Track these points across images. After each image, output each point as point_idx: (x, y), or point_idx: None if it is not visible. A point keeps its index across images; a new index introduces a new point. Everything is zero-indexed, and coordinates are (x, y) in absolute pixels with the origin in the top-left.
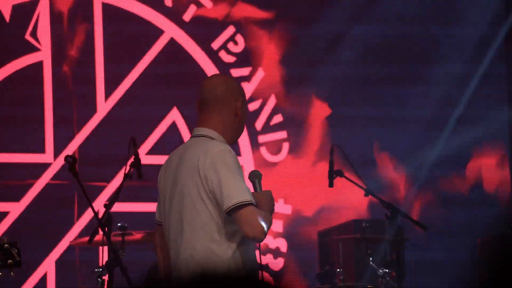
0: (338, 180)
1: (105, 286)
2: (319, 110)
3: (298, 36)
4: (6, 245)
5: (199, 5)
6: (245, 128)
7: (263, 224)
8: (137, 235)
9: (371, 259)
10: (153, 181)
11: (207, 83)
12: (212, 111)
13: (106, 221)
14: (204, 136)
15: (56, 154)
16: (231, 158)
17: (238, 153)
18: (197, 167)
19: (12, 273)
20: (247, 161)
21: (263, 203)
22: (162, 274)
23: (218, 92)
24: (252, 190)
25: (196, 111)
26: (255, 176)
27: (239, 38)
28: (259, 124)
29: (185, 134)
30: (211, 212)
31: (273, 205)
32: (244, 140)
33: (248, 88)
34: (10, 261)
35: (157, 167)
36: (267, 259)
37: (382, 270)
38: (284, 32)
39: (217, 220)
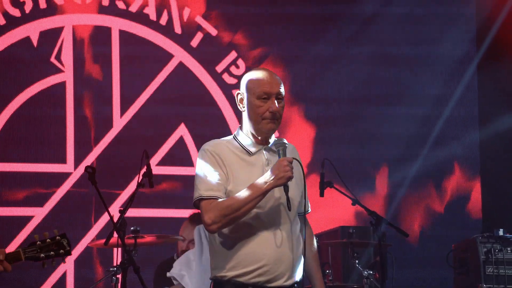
0: (328, 190)
1: (119, 284)
2: (309, 128)
3: (291, 62)
4: (57, 237)
5: (205, 33)
6: None
7: (207, 216)
8: (148, 238)
9: (357, 261)
10: (162, 189)
11: None
12: None
13: (120, 225)
14: None
15: (76, 165)
16: (200, 156)
17: None
18: None
19: (64, 261)
20: None
21: (270, 173)
22: None
23: None
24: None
25: None
26: (279, 145)
27: (240, 62)
28: None
29: (192, 148)
30: None
31: (280, 172)
32: None
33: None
34: (61, 251)
35: (167, 176)
36: None
37: (367, 271)
38: (279, 58)
39: None
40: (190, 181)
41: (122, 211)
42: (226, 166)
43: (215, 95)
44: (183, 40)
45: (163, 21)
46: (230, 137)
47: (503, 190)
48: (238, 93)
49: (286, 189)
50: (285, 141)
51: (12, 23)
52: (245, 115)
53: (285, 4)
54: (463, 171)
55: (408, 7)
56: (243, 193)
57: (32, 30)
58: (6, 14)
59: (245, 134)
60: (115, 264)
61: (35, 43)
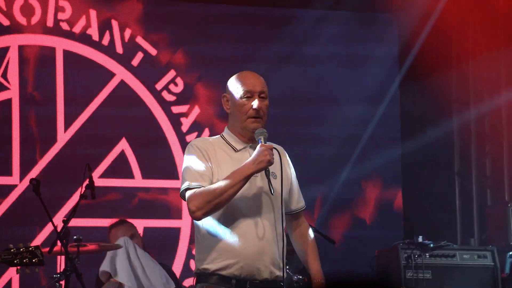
0: None
1: None
2: None
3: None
4: (31, 248)
5: (145, 53)
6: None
7: (192, 203)
8: (91, 246)
9: (287, 267)
10: (104, 200)
11: None
12: None
13: (64, 234)
14: None
15: (22, 177)
16: (187, 151)
17: (175, 176)
18: None
19: (37, 270)
20: None
21: (251, 159)
22: None
23: None
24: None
25: None
26: (259, 134)
27: (178, 80)
28: None
29: (132, 160)
30: None
31: (260, 157)
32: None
33: (186, 123)
34: (35, 260)
35: (109, 188)
36: None
37: (296, 276)
38: (214, 75)
39: None
40: (130, 192)
41: (66, 221)
42: (212, 161)
43: (154, 112)
44: (124, 60)
45: (105, 41)
46: (217, 136)
47: (423, 200)
48: (224, 95)
49: (267, 173)
50: (265, 131)
51: None
52: (231, 116)
53: (219, 21)
54: (386, 182)
55: (336, 28)
56: (226, 179)
57: None
58: None
59: (231, 133)
60: (58, 271)
61: None
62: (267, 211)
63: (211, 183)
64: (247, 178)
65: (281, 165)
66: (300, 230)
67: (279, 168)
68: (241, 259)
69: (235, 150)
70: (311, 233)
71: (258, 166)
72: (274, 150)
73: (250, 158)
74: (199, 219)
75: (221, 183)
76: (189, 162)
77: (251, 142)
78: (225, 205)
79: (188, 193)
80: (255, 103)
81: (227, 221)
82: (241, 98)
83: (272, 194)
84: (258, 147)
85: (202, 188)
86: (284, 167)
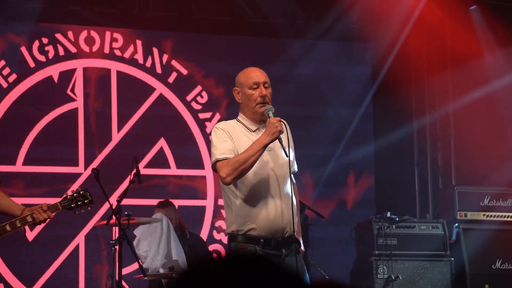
0: None
1: (117, 253)
2: None
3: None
4: (81, 191)
5: (178, 72)
6: (206, 150)
7: (222, 171)
8: (138, 220)
9: None
10: (148, 185)
11: None
12: None
13: (117, 211)
14: None
15: (86, 167)
16: (213, 133)
17: (202, 166)
18: None
19: (89, 208)
20: (209, 174)
21: (265, 132)
22: None
23: None
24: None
25: None
26: (268, 110)
27: (204, 93)
28: None
29: (169, 155)
30: None
31: (272, 129)
32: (206, 160)
33: (209, 126)
34: (86, 201)
35: (152, 176)
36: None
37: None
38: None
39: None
40: (167, 178)
41: (119, 201)
42: (234, 139)
43: (185, 117)
44: (162, 78)
45: (148, 64)
46: (233, 120)
47: (390, 184)
48: (235, 89)
49: (280, 140)
50: (272, 107)
51: (39, 65)
52: (242, 105)
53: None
54: (363, 172)
55: (323, 53)
56: (247, 150)
57: (54, 70)
58: (34, 59)
59: (245, 117)
60: (113, 239)
61: (56, 80)
62: (282, 181)
63: (235, 155)
64: (264, 147)
65: (287, 136)
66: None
67: (285, 138)
68: (265, 223)
69: (250, 131)
70: (295, 191)
71: (272, 136)
72: (281, 121)
73: (265, 132)
74: (229, 183)
75: (244, 153)
76: (216, 140)
77: (263, 123)
78: (249, 170)
79: (218, 164)
80: (262, 91)
81: (252, 192)
82: (249, 88)
83: (287, 156)
84: (268, 121)
85: (229, 159)
86: (289, 137)
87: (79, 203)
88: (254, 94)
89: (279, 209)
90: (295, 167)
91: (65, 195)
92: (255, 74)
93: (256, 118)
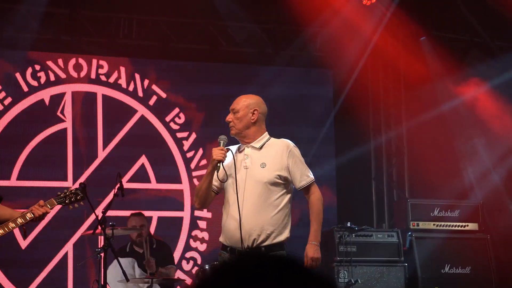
0: None
1: (102, 260)
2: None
3: (213, 112)
4: (73, 190)
5: (158, 95)
6: (183, 166)
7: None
8: (121, 229)
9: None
10: (130, 198)
11: None
12: None
13: (102, 221)
14: None
15: (74, 181)
16: None
17: (179, 181)
18: None
19: (82, 203)
20: (186, 188)
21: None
22: None
23: None
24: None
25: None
26: (220, 139)
27: (181, 114)
28: (193, 164)
29: (150, 171)
30: None
31: (211, 157)
32: (183, 175)
33: (186, 144)
34: (78, 197)
35: (134, 190)
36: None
37: None
38: (207, 110)
39: None
40: (148, 192)
41: (104, 212)
42: (223, 163)
43: (164, 136)
44: (144, 100)
45: (131, 88)
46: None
47: (350, 197)
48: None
49: (217, 168)
50: (224, 136)
51: (32, 90)
52: None
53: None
54: (325, 186)
55: (290, 78)
56: (202, 179)
57: (45, 94)
58: (28, 84)
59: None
60: (99, 246)
61: (47, 103)
62: (253, 195)
63: (218, 183)
64: (208, 176)
65: (272, 157)
66: (309, 200)
67: (271, 159)
68: (228, 233)
69: (239, 151)
70: (317, 201)
71: (212, 163)
72: (226, 150)
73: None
74: (197, 208)
75: (200, 183)
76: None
77: (246, 142)
78: (206, 195)
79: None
80: (227, 117)
81: (224, 204)
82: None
83: (223, 181)
84: (213, 149)
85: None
86: (277, 157)
87: (72, 199)
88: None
89: (238, 222)
90: (302, 182)
91: (59, 193)
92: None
93: (240, 140)
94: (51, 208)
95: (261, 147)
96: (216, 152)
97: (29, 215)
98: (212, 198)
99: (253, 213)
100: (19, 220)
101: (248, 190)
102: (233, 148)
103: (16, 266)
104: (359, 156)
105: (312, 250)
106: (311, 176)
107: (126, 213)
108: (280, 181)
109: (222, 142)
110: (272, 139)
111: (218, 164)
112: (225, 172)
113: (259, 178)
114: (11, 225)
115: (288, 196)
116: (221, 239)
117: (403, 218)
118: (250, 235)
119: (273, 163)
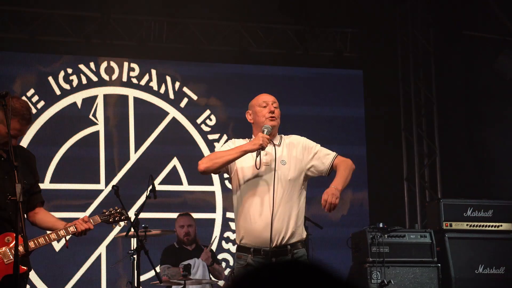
0: None
1: (135, 261)
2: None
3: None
4: (118, 209)
5: (189, 98)
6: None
7: (201, 160)
8: (154, 231)
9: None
10: (162, 200)
11: None
12: None
13: (135, 223)
14: None
15: (106, 184)
16: (224, 144)
17: (211, 183)
18: None
19: (126, 223)
20: (217, 189)
21: (250, 142)
22: None
23: None
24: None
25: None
26: (265, 127)
27: (212, 116)
28: None
29: (181, 173)
30: None
31: (256, 140)
32: (215, 177)
33: (218, 146)
34: (122, 217)
35: (166, 192)
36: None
37: None
38: (237, 113)
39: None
40: (180, 194)
41: (136, 214)
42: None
43: (196, 138)
44: (175, 103)
45: (162, 90)
46: (246, 138)
47: (382, 198)
48: (247, 112)
49: (258, 153)
50: (269, 126)
51: (64, 93)
52: (253, 125)
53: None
54: (357, 188)
55: (317, 81)
56: (228, 150)
57: (77, 98)
58: (60, 87)
59: (253, 135)
60: (132, 249)
61: (79, 106)
62: (279, 194)
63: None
64: (243, 152)
65: (298, 147)
66: (338, 166)
67: (288, 157)
68: (253, 233)
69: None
70: (343, 161)
71: (253, 146)
72: (279, 142)
73: (250, 141)
74: (201, 171)
75: (224, 151)
76: (220, 149)
77: (270, 139)
78: (221, 166)
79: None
80: (270, 108)
81: (245, 208)
82: (259, 106)
83: (257, 169)
84: (259, 134)
85: (214, 153)
86: (297, 154)
87: (116, 218)
88: (263, 111)
89: (267, 221)
90: (326, 162)
91: (104, 210)
92: (265, 96)
93: None
94: (94, 225)
95: (279, 144)
96: (264, 139)
97: (71, 229)
98: (217, 172)
99: (281, 211)
100: (61, 233)
101: (276, 188)
102: (243, 140)
103: (50, 267)
104: (391, 157)
105: (331, 191)
106: (332, 152)
107: (159, 215)
108: (301, 177)
109: (266, 130)
110: (284, 136)
111: (259, 151)
112: (255, 164)
113: (284, 176)
114: (53, 236)
115: (305, 193)
116: (241, 241)
117: (436, 219)
118: (279, 234)
119: (293, 161)
